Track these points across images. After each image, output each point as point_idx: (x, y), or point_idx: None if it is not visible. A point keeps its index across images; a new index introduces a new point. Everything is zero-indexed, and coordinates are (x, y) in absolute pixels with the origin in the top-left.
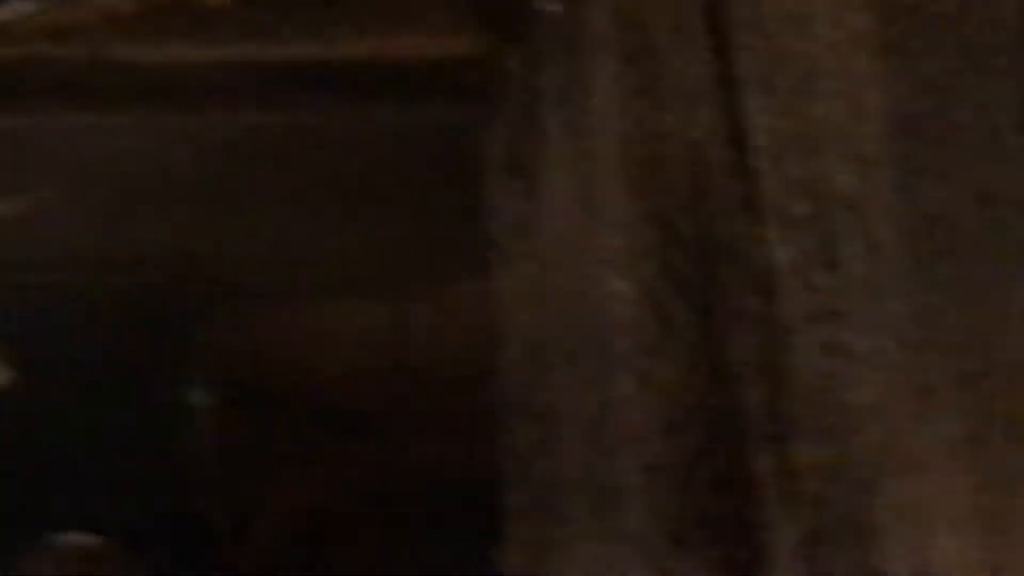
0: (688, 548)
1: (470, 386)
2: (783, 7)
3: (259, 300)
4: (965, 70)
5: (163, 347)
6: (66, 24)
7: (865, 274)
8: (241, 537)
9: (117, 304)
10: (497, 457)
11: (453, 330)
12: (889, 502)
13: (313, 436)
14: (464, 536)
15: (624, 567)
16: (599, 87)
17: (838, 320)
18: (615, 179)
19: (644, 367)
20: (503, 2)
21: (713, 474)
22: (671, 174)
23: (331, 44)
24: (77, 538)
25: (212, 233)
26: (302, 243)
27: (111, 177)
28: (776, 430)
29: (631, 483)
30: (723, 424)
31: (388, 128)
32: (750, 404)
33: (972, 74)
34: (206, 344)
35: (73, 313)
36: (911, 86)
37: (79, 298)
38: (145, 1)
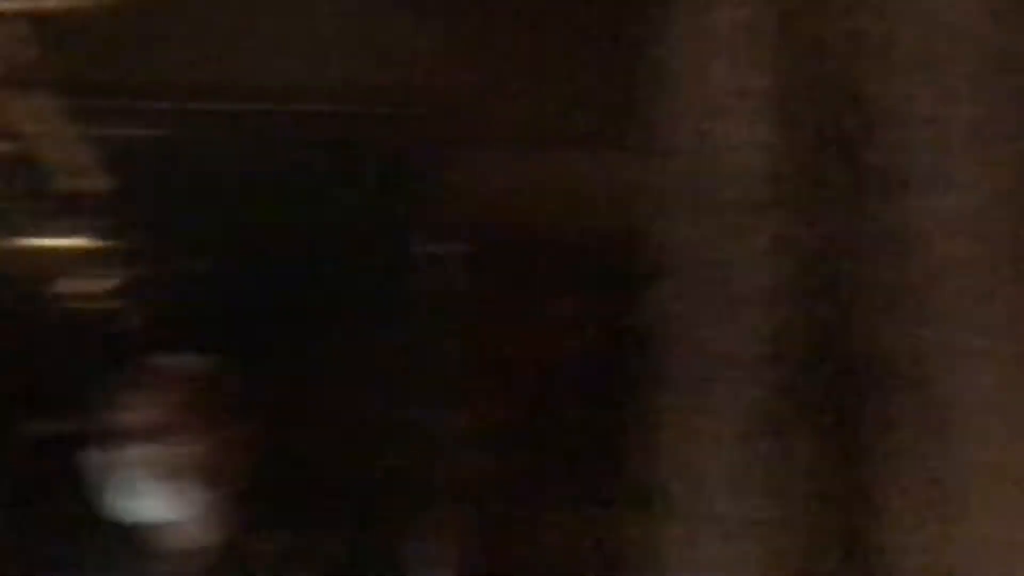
0: (795, 435)
1: None
2: None
3: (508, 147)
4: None
5: (406, 196)
6: None
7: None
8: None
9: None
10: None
11: None
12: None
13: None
14: None
15: (721, 441)
16: None
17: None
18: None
19: (781, 223)
20: None
21: (843, 353)
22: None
23: None
24: (180, 359)
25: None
26: (551, 89)
27: None
28: (908, 311)
29: (749, 352)
30: (858, 299)
31: None
32: (884, 279)
33: None
34: (453, 192)
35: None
36: None
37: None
38: None
